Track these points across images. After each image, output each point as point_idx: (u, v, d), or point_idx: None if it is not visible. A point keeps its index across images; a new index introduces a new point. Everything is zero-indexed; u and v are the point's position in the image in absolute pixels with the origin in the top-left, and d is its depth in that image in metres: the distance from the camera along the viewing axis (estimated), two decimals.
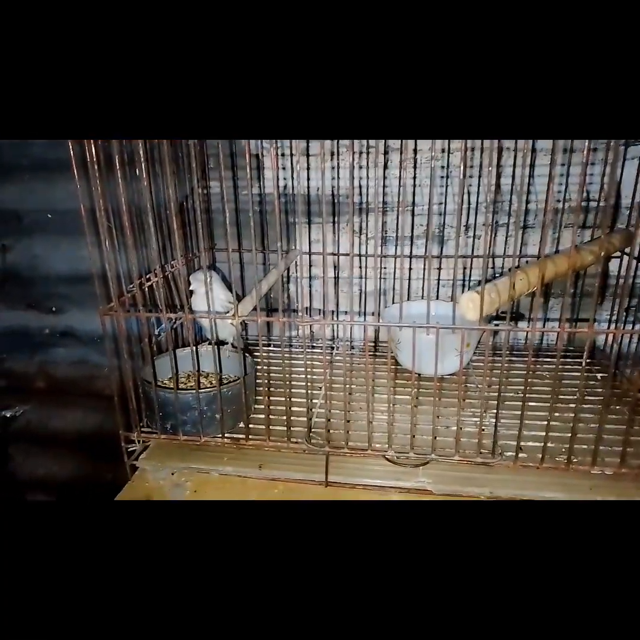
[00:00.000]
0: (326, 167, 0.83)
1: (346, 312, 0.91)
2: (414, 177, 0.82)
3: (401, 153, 0.79)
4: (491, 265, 0.85)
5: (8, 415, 1.11)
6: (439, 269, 0.87)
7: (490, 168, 0.72)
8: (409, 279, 0.88)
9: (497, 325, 0.66)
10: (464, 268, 0.86)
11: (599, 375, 0.75)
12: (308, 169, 0.85)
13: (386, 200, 0.85)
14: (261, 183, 0.88)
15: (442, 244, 0.86)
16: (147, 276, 0.64)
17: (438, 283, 0.88)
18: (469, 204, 0.82)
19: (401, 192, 0.59)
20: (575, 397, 0.63)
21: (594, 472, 0.54)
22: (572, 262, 0.56)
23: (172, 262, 0.73)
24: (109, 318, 0.56)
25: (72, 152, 0.51)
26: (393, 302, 0.87)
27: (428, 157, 0.80)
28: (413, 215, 0.85)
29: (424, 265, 0.83)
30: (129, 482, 0.62)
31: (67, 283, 0.99)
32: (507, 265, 0.84)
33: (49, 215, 0.95)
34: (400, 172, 0.61)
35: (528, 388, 0.52)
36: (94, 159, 0.50)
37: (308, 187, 0.87)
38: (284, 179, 0.88)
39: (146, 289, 0.61)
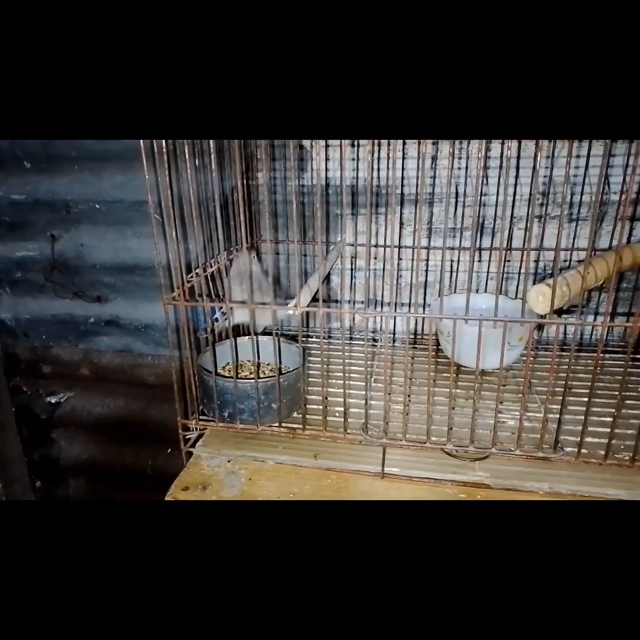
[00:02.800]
0: (372, 159, 0.82)
1: (389, 304, 0.91)
2: (463, 169, 0.81)
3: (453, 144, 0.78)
4: (541, 257, 0.84)
5: (53, 402, 1.14)
6: (489, 261, 0.86)
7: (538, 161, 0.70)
8: (457, 271, 0.87)
9: (566, 318, 0.65)
10: (510, 260, 0.85)
11: None
12: (356, 159, 0.85)
13: (435, 191, 0.84)
14: (308, 174, 0.88)
15: (492, 236, 0.85)
16: (204, 265, 0.64)
17: (487, 275, 0.87)
18: (521, 195, 0.81)
19: (449, 183, 0.58)
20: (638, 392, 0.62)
21: None
22: (635, 256, 0.55)
23: (229, 252, 0.73)
24: (171, 307, 0.56)
25: (142, 145, 0.51)
26: (439, 295, 0.86)
27: (477, 148, 0.79)
28: (463, 206, 0.84)
29: (471, 257, 0.82)
30: (185, 468, 0.62)
31: (113, 273, 1.01)
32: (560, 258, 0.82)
33: (97, 206, 0.97)
34: (450, 162, 0.60)
35: (594, 383, 0.51)
36: (164, 151, 0.51)
37: (356, 178, 0.86)
38: (327, 170, 0.87)
39: (207, 277, 0.62)
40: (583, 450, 0.55)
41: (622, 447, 0.57)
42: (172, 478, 0.61)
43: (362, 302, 0.92)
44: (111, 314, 1.04)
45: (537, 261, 0.83)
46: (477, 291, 0.85)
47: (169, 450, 1.10)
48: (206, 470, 0.61)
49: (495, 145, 0.79)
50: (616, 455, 0.55)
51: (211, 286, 0.66)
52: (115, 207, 0.96)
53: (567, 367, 0.52)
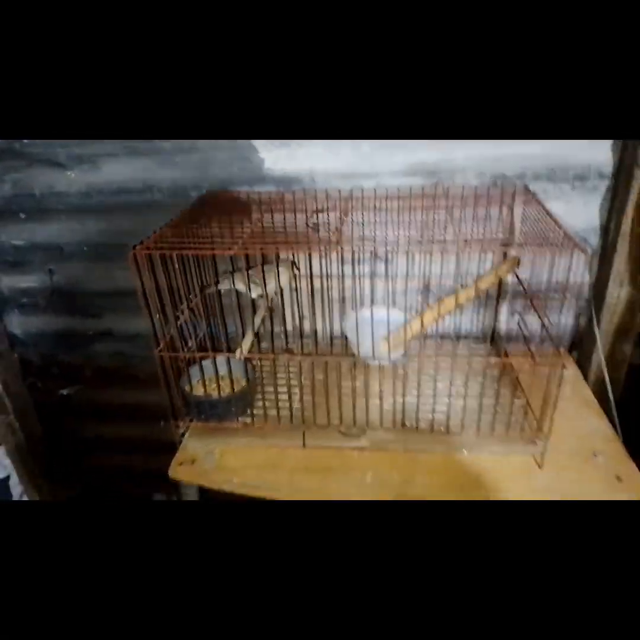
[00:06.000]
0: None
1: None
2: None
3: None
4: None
5: (65, 393, 1.44)
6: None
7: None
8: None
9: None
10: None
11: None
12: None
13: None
14: None
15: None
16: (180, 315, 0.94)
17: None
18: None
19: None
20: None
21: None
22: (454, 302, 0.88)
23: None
24: (161, 356, 0.87)
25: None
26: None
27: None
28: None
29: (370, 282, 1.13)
30: (178, 451, 0.95)
31: (103, 297, 1.29)
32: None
33: (85, 248, 1.23)
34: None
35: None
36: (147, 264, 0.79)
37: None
38: None
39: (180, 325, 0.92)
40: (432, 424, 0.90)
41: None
42: (165, 445, 0.94)
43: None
44: (105, 327, 1.33)
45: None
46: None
47: (162, 423, 1.43)
48: (192, 452, 0.94)
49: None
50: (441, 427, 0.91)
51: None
52: (100, 248, 1.23)
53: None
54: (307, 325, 1.10)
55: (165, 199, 1.15)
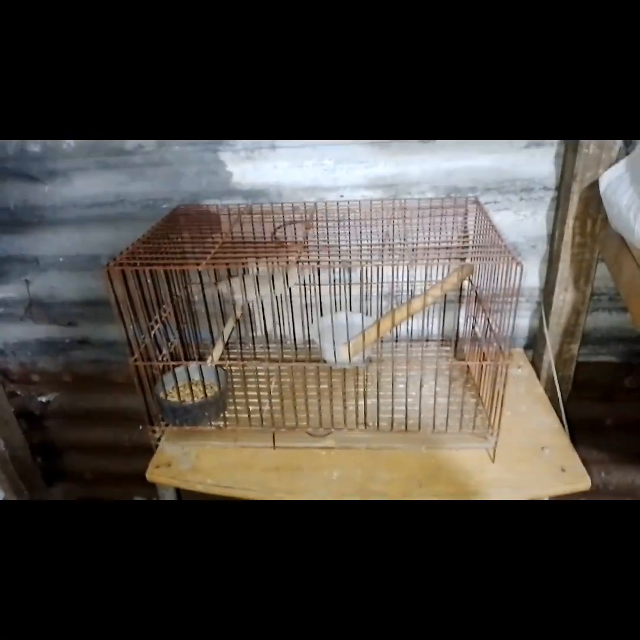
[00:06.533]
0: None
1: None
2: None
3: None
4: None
5: (44, 400, 1.48)
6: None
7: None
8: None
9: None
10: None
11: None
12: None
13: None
14: None
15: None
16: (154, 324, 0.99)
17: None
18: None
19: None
20: None
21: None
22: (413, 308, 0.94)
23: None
24: (135, 365, 0.92)
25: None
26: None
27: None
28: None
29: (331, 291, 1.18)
30: (154, 455, 1.00)
31: (79, 305, 1.32)
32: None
33: (61, 259, 1.27)
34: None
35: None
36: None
37: None
38: None
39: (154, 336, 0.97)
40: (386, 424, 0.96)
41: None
42: (144, 449, 0.99)
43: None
44: (82, 335, 1.37)
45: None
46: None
47: (140, 427, 1.48)
48: (168, 455, 1.00)
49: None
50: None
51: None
52: (75, 259, 1.26)
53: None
54: (277, 331, 1.15)
55: (137, 211, 1.19)
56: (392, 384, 0.94)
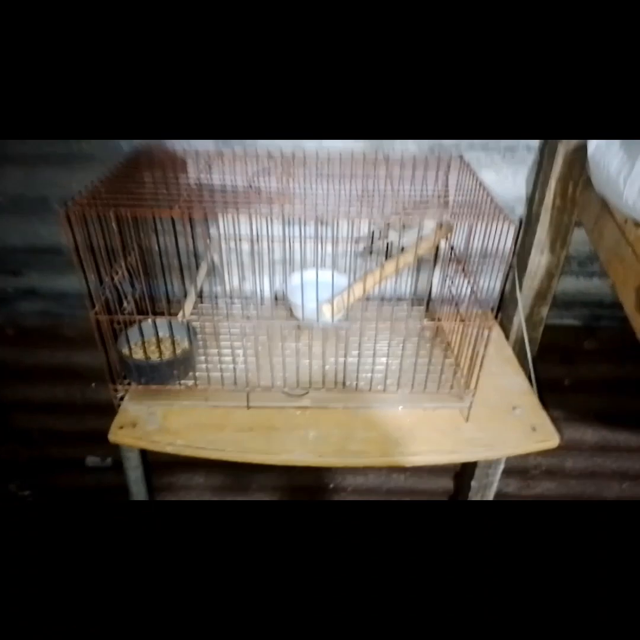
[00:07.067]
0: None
1: None
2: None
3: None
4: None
5: None
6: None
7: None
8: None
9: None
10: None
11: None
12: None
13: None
14: None
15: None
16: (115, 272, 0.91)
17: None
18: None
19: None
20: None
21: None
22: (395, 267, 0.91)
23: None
24: (97, 318, 0.84)
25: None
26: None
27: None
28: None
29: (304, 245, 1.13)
30: (117, 415, 0.94)
31: (25, 253, 1.20)
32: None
33: (1, 199, 1.13)
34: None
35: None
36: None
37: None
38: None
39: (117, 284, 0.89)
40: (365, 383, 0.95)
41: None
42: (99, 408, 0.93)
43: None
44: (28, 285, 1.25)
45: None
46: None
47: (94, 385, 1.40)
48: (133, 415, 0.94)
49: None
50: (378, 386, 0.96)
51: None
52: (19, 200, 1.13)
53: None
54: (250, 287, 1.10)
55: (93, 151, 1.07)
56: (374, 345, 0.92)
